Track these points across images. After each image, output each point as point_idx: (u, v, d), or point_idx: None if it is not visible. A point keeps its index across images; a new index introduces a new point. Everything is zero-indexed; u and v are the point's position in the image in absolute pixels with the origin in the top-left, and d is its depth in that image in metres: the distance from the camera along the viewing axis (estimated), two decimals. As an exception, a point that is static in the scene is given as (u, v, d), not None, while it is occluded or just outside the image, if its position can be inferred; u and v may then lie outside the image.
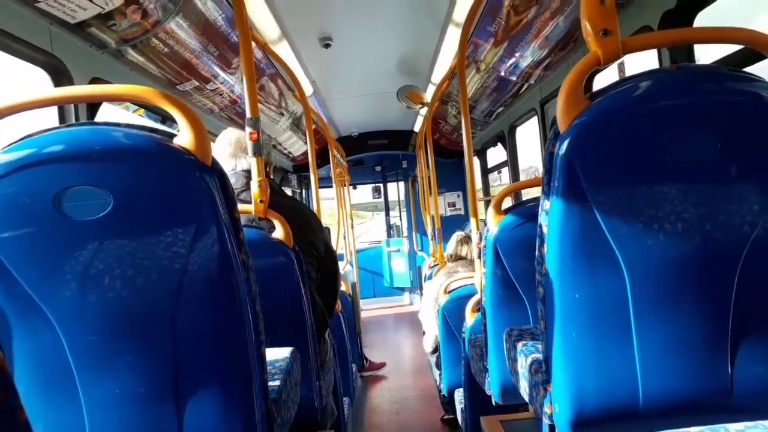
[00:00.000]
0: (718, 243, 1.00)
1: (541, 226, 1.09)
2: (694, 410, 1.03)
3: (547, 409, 1.14)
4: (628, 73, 2.21)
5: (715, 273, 1.02)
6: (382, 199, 9.00)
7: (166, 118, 2.90)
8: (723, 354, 1.03)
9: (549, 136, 1.05)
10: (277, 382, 1.25)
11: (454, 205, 7.81)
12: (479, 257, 2.12)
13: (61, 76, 1.91)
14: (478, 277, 2.18)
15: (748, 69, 1.08)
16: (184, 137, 0.99)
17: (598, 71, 2.51)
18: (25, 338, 0.98)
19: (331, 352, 2.24)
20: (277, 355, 1.42)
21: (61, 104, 1.83)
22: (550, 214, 1.04)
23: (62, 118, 1.91)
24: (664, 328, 1.03)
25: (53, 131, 0.97)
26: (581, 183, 1.00)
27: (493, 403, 1.87)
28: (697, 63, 2.04)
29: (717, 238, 1.00)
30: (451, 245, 3.67)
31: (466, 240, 3.64)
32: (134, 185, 0.96)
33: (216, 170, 1.00)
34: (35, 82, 2.02)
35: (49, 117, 1.91)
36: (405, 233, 8.74)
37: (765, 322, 1.03)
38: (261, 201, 1.64)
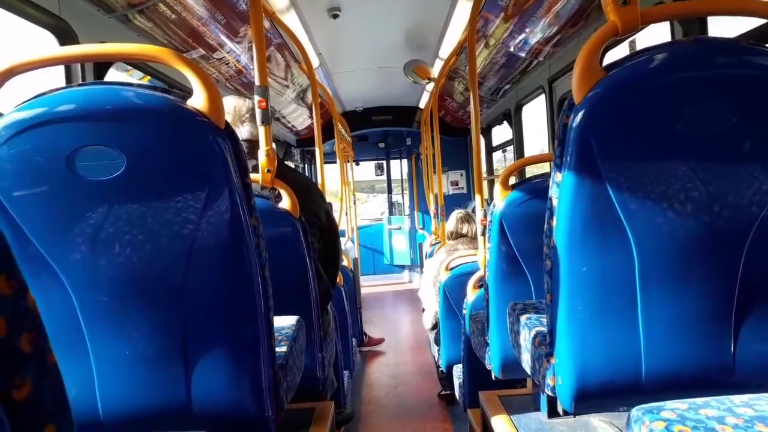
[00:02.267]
0: (726, 222, 1.00)
1: (551, 199, 1.09)
2: (696, 386, 1.04)
3: (549, 381, 1.16)
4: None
5: (722, 252, 1.02)
6: (383, 178, 8.97)
7: (172, 86, 2.88)
8: (726, 331, 1.03)
9: (563, 107, 1.05)
10: (284, 349, 1.27)
11: (456, 184, 7.80)
12: (483, 234, 2.12)
13: (67, 39, 1.89)
14: (482, 253, 2.18)
15: (768, 45, 1.07)
16: (197, 99, 0.98)
17: (611, 46, 2.48)
18: (37, 297, 0.98)
19: (333, 324, 2.26)
20: (283, 322, 1.43)
21: (72, 62, 1.81)
22: (562, 187, 1.04)
23: (69, 80, 1.90)
24: (670, 304, 1.03)
25: (66, 90, 0.96)
26: (594, 156, 1.00)
27: (493, 377, 1.89)
28: None
29: (725, 217, 1.00)
30: (451, 223, 3.68)
31: (467, 218, 3.64)
32: (147, 146, 0.95)
33: (229, 134, 1.00)
34: (41, 45, 2.00)
35: (55, 81, 1.90)
36: (407, 211, 8.74)
37: None
38: (268, 170, 1.63)
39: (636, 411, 0.84)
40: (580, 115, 0.99)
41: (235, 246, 1.00)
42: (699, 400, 0.84)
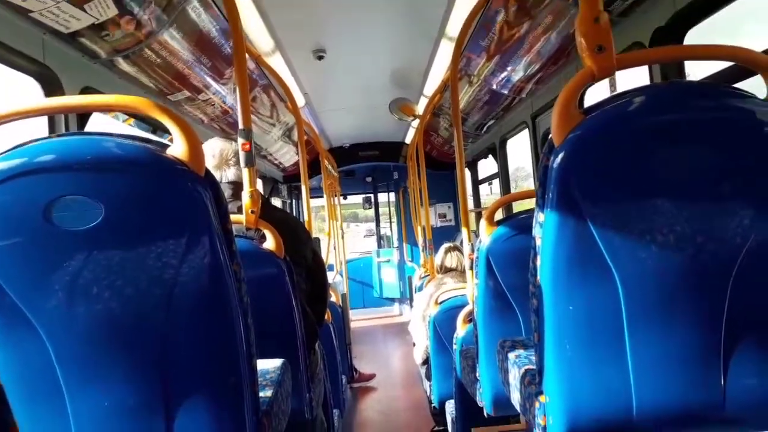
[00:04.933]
0: (710, 255, 1.01)
1: (534, 239, 1.09)
2: (688, 422, 1.03)
3: (540, 421, 1.14)
4: (620, 87, 2.24)
5: (707, 286, 1.02)
6: (372, 210, 9.00)
7: (157, 128, 2.89)
8: (716, 366, 1.03)
9: (543, 149, 1.06)
10: (269, 393, 1.24)
11: (444, 216, 7.83)
12: (471, 268, 2.12)
13: (52, 86, 1.90)
14: (470, 287, 2.18)
15: (739, 84, 1.10)
16: (177, 147, 0.98)
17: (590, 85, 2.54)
18: (12, 350, 0.96)
19: (321, 364, 2.23)
20: (267, 366, 1.41)
21: (52, 114, 1.82)
22: (544, 227, 1.05)
23: (52, 128, 1.90)
24: (658, 340, 1.03)
25: (45, 140, 0.96)
26: (575, 196, 1.01)
27: (485, 414, 1.86)
28: (688, 79, 2.07)
29: (709, 252, 1.01)
30: (439, 256, 3.68)
31: (453, 249, 3.65)
32: (126, 195, 0.95)
33: (209, 181, 1.00)
34: (25, 91, 2.01)
35: (39, 128, 1.90)
36: (395, 244, 8.74)
37: (757, 335, 1.04)
38: (252, 212, 1.63)
39: None
40: (560, 156, 1.01)
41: (215, 292, 0.99)
42: None
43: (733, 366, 1.03)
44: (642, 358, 1.03)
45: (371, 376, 5.02)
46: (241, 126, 1.68)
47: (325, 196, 5.29)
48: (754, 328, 1.03)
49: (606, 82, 2.47)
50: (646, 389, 1.03)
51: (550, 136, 1.05)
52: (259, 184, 2.05)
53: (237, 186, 1.83)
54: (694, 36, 2.02)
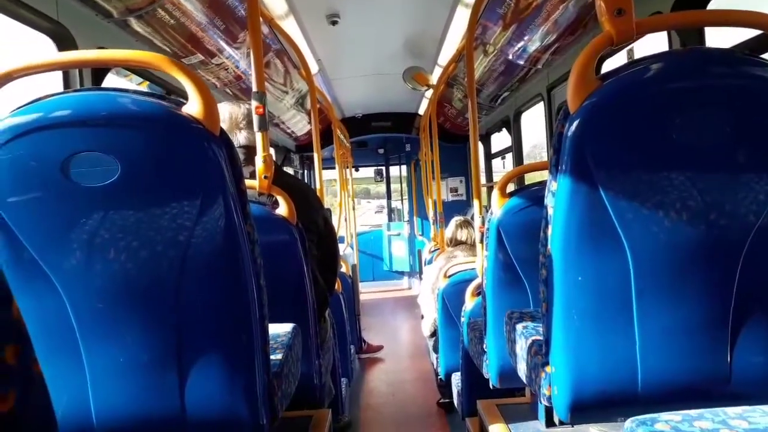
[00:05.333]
0: (722, 231, 1.00)
1: (546, 208, 1.08)
2: (693, 396, 1.04)
3: (545, 391, 1.15)
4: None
5: (718, 261, 1.02)
6: (383, 186, 8.98)
7: (171, 92, 2.88)
8: (723, 341, 1.03)
9: (558, 116, 1.05)
10: (279, 356, 1.26)
11: (456, 191, 7.80)
12: (481, 241, 2.12)
13: (65, 44, 1.90)
14: (480, 260, 2.18)
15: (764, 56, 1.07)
16: (192, 106, 0.98)
17: (609, 56, 2.49)
18: (31, 304, 0.98)
19: (330, 332, 2.25)
20: (279, 330, 1.43)
21: (69, 68, 1.81)
22: (557, 196, 1.04)
23: (67, 85, 1.90)
24: (666, 313, 1.03)
25: (61, 95, 0.96)
26: (589, 164, 0.99)
27: (491, 386, 1.88)
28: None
29: (722, 226, 1.00)
30: (450, 229, 3.67)
31: (465, 224, 3.63)
32: (142, 152, 0.95)
33: (224, 140, 1.00)
34: (39, 50, 2.00)
35: (53, 85, 1.90)
36: (406, 217, 8.74)
37: (765, 311, 1.03)
38: (265, 177, 1.63)
39: (630, 422, 0.84)
40: (575, 124, 0.99)
41: (229, 253, 0.99)
42: (693, 412, 0.84)
43: (741, 342, 1.03)
44: (649, 330, 1.03)
45: (379, 348, 5.07)
46: (254, 89, 1.67)
47: (337, 166, 5.27)
48: (763, 304, 1.03)
49: (624, 54, 2.42)
50: (652, 362, 1.04)
51: (566, 103, 1.03)
52: (272, 152, 2.05)
53: (249, 150, 1.82)
54: (717, 6, 1.96)
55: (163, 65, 1.00)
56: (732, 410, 0.85)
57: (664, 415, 0.83)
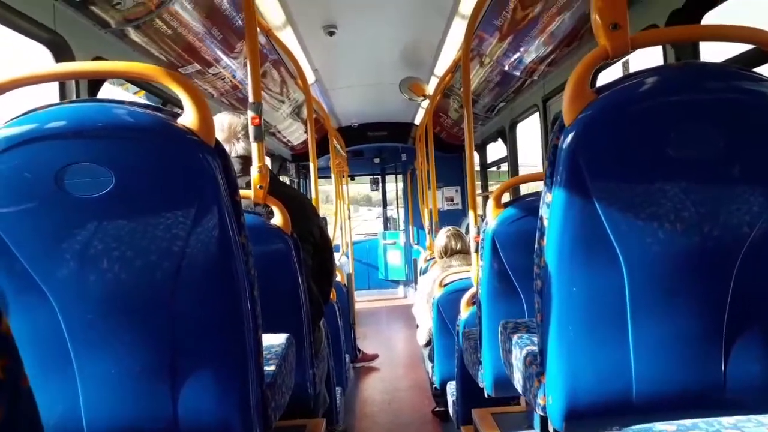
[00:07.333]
0: (716, 242, 1.00)
1: (541, 219, 1.09)
2: (687, 405, 1.04)
3: (540, 401, 1.15)
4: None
5: (712, 271, 1.02)
6: (379, 194, 8.99)
7: (167, 101, 2.88)
8: (717, 351, 1.03)
9: (554, 129, 1.05)
10: (273, 367, 1.26)
11: (452, 200, 7.81)
12: (476, 251, 2.13)
13: (62, 54, 1.90)
14: (475, 270, 2.18)
15: (756, 70, 1.08)
16: (187, 117, 0.98)
17: (604, 67, 2.51)
18: (23, 315, 0.97)
19: (325, 341, 2.25)
20: (272, 340, 1.42)
21: (65, 79, 1.82)
22: (552, 207, 1.04)
23: (63, 96, 1.90)
24: (660, 324, 1.03)
25: (57, 106, 0.96)
26: (584, 177, 1.00)
27: (486, 395, 1.87)
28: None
29: (716, 237, 1.00)
30: (441, 240, 3.65)
31: (458, 234, 3.64)
32: (136, 163, 0.95)
33: (219, 151, 1.00)
34: (36, 60, 2.00)
35: (50, 95, 1.89)
36: (401, 226, 8.74)
37: (759, 321, 1.04)
38: (260, 187, 1.63)
39: None
40: (570, 136, 1.00)
41: (223, 263, 0.99)
42: (687, 422, 0.84)
43: (735, 352, 1.03)
44: (644, 340, 1.03)
45: (374, 357, 5.06)
46: (251, 99, 1.68)
47: (332, 175, 5.28)
48: (757, 315, 1.03)
49: (620, 67, 2.44)
50: (646, 372, 1.04)
51: (560, 114, 1.04)
52: (268, 161, 2.04)
53: (246, 160, 1.82)
54: (711, 21, 1.98)
55: (160, 77, 1.00)
56: (726, 420, 0.85)
57: (659, 425, 0.83)
